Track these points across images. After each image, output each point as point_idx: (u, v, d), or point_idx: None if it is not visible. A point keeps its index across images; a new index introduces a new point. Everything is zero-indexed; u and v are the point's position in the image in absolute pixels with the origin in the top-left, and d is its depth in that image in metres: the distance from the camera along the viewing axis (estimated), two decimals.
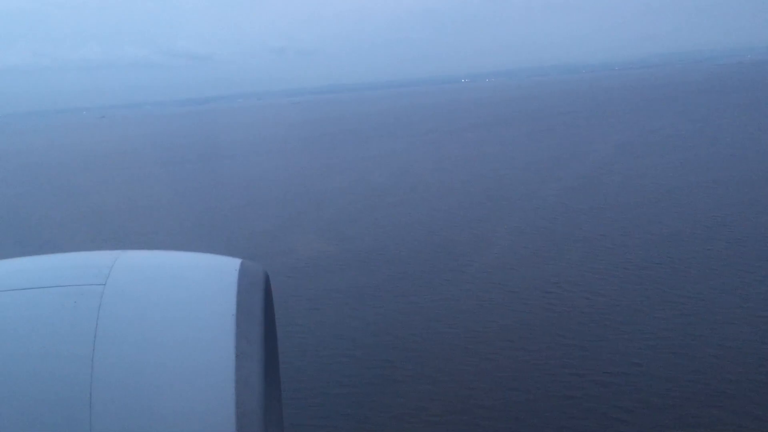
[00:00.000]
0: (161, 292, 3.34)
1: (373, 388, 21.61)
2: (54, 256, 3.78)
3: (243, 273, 3.47)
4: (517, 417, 19.34)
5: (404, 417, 19.48)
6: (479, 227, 44.79)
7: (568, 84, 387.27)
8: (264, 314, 3.34)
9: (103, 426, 2.83)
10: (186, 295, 3.36)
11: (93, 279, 3.29)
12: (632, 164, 69.48)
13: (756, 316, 25.23)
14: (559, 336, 24.51)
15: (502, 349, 23.67)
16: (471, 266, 34.74)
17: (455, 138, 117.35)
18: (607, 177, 62.54)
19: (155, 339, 3.08)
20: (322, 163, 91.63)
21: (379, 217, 50.70)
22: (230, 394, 2.92)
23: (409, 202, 57.24)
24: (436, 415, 19.54)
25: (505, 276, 32.61)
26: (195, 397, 2.94)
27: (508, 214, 49.07)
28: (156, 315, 3.18)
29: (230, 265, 3.54)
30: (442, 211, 51.47)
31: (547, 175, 65.50)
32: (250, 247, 42.68)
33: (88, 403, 2.85)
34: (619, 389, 20.30)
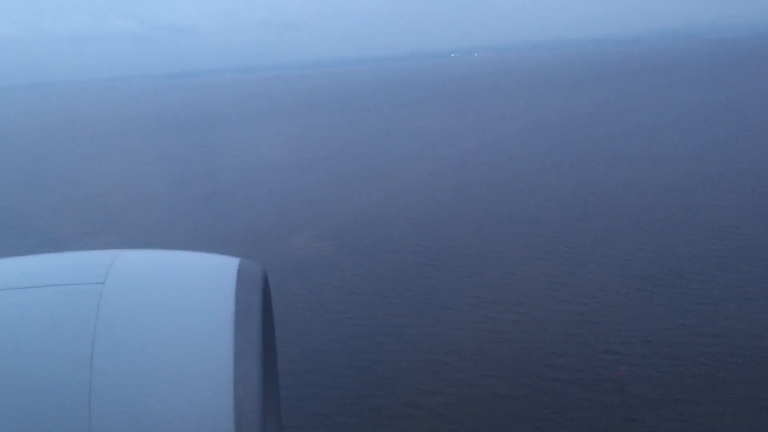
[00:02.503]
0: (160, 291, 3.33)
1: None
2: (53, 255, 3.76)
3: (241, 272, 3.45)
4: None
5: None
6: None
7: (551, 59, 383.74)
8: (262, 313, 3.33)
9: (103, 424, 2.82)
10: (185, 294, 3.35)
11: (92, 278, 3.27)
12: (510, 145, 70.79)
13: None
14: None
15: None
16: None
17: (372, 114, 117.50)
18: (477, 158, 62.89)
19: (154, 338, 3.07)
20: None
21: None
22: (229, 392, 2.92)
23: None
24: None
25: None
26: (194, 395, 2.93)
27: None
28: (155, 314, 3.17)
29: (229, 265, 3.52)
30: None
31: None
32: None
33: (87, 401, 2.84)
34: None
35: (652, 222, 39.49)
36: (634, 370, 23.12)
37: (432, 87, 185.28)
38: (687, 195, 45.20)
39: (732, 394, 21.64)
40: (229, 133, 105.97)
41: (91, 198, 58.46)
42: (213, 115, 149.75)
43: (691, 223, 39.24)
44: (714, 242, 35.61)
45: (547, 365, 24.02)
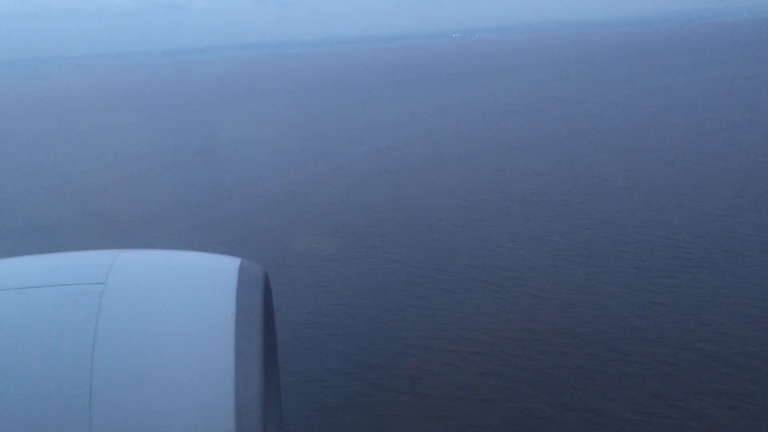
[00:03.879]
0: (161, 291, 3.31)
1: None
2: (54, 256, 3.76)
3: (242, 272, 3.43)
4: None
5: None
6: None
7: (551, 40, 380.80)
8: (263, 313, 3.33)
9: (104, 424, 2.81)
10: (186, 294, 3.32)
11: (93, 278, 3.27)
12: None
13: None
14: None
15: None
16: None
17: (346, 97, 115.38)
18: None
19: (155, 338, 3.06)
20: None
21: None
22: (230, 391, 2.90)
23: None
24: None
25: None
26: (195, 394, 2.91)
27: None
28: (156, 314, 3.15)
29: (230, 265, 3.51)
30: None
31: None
32: None
33: (88, 401, 2.83)
34: None
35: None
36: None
37: (419, 68, 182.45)
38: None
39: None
40: (204, 112, 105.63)
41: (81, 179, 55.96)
42: (199, 95, 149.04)
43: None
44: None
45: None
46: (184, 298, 3.28)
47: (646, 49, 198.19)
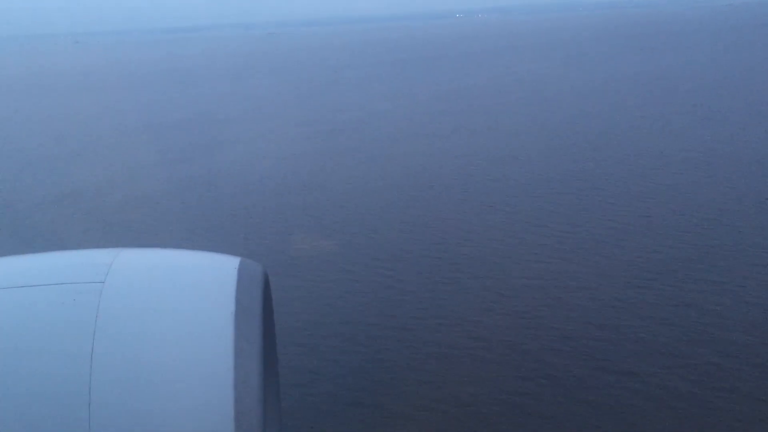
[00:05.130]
0: (160, 290, 3.31)
1: None
2: (53, 254, 3.76)
3: (242, 271, 3.44)
4: None
5: None
6: None
7: (553, 21, 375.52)
8: (263, 313, 3.30)
9: (102, 424, 2.79)
10: (185, 293, 3.32)
11: (92, 277, 3.25)
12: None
13: None
14: None
15: None
16: None
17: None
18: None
19: (154, 337, 3.04)
20: None
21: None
22: (229, 392, 2.87)
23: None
24: None
25: None
26: (193, 395, 2.89)
27: None
28: (155, 313, 3.14)
29: (229, 264, 3.51)
30: None
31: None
32: None
33: (86, 401, 2.81)
34: None
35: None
36: None
37: (409, 50, 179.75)
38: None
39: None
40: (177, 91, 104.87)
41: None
42: (182, 72, 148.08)
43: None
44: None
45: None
46: (183, 297, 3.28)
47: (646, 32, 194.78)
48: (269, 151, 50.24)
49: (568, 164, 39.10)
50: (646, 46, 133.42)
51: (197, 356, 2.96)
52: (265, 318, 3.32)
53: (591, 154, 41.15)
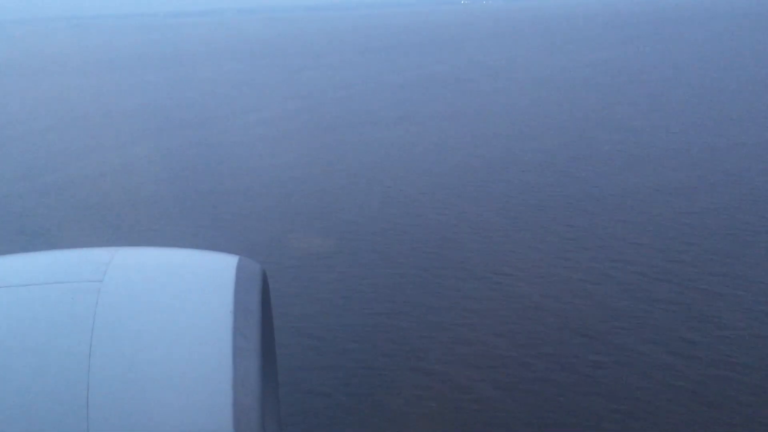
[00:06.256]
0: (158, 288, 3.28)
1: None
2: (50, 253, 3.71)
3: (240, 270, 3.42)
4: None
5: None
6: None
7: (557, 9, 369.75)
8: (261, 311, 3.28)
9: (100, 422, 2.77)
10: (183, 292, 3.28)
11: (90, 275, 3.23)
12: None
13: None
14: None
15: None
16: None
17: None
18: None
19: (152, 336, 3.00)
20: None
21: None
22: (227, 391, 2.85)
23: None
24: None
25: None
26: (192, 394, 2.86)
27: None
28: (153, 312, 3.12)
29: (228, 262, 3.49)
30: None
31: None
32: None
33: (85, 399, 2.79)
34: None
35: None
36: None
37: (403, 35, 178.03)
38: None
39: None
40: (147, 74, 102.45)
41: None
42: (167, 56, 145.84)
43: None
44: None
45: None
46: (182, 296, 3.20)
47: (652, 19, 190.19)
48: (207, 138, 48.48)
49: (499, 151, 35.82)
50: (643, 34, 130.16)
51: (196, 355, 2.91)
52: (264, 316, 3.27)
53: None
